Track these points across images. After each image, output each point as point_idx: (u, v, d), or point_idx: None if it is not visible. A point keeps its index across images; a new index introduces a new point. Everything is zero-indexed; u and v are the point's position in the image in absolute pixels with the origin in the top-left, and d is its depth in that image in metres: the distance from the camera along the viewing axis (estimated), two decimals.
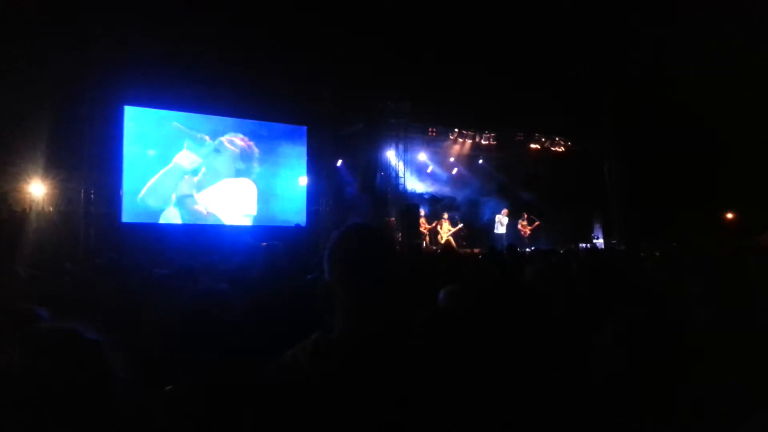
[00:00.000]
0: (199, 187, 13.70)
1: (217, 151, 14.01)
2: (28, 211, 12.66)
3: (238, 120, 14.41)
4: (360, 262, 1.39)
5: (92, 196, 12.91)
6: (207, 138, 13.89)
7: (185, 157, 13.51)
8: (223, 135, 14.19)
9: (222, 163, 14.11)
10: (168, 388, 1.75)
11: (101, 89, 12.39)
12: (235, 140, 14.33)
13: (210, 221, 13.74)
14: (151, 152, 13.16)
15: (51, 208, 13.35)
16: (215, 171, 13.98)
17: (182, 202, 13.45)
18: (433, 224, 16.06)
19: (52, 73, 11.42)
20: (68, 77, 11.75)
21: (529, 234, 16.62)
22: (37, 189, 13.06)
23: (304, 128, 15.46)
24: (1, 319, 2.09)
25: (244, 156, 14.47)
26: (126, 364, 1.44)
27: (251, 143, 14.55)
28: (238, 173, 14.34)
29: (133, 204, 12.95)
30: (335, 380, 1.29)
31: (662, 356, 1.65)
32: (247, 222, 14.34)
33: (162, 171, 13.23)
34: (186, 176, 13.51)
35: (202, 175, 13.77)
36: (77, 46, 11.52)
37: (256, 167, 14.61)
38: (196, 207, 13.64)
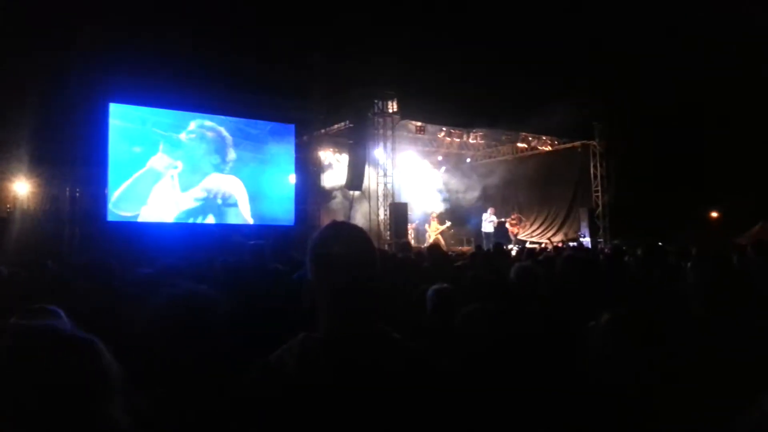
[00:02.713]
0: (184, 186, 13.47)
1: (187, 142, 13.70)
2: (12, 209, 12.55)
3: (224, 117, 14.24)
4: (342, 261, 1.37)
5: (77, 194, 12.79)
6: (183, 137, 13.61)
7: (160, 160, 13.14)
8: (187, 127, 13.76)
9: (198, 157, 13.84)
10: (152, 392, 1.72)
11: (86, 86, 12.23)
12: (204, 132, 13.93)
13: (198, 221, 13.62)
14: (137, 149, 13.01)
15: (35, 207, 13.22)
16: (193, 166, 13.71)
17: (162, 204, 13.20)
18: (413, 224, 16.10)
19: (36, 70, 11.30)
20: (52, 74, 11.64)
21: (517, 233, 16.70)
22: (21, 187, 12.93)
23: (292, 126, 15.39)
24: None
25: (218, 147, 14.11)
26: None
27: (221, 128, 14.14)
28: (216, 168, 14.05)
29: (120, 202, 12.79)
30: (323, 382, 1.28)
31: (650, 354, 1.66)
32: (238, 220, 14.22)
33: (136, 175, 12.86)
34: (162, 179, 13.17)
35: (181, 173, 13.48)
36: (61, 43, 11.40)
37: (232, 156, 14.24)
38: (181, 208, 13.47)
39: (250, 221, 14.25)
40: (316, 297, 1.40)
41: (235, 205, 14.24)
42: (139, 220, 12.93)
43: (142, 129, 13.13)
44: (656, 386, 1.62)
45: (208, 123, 13.96)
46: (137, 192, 12.89)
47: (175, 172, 13.36)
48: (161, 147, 13.24)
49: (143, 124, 13.18)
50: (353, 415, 1.25)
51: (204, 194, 13.76)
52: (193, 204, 13.59)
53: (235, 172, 14.29)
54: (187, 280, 3.36)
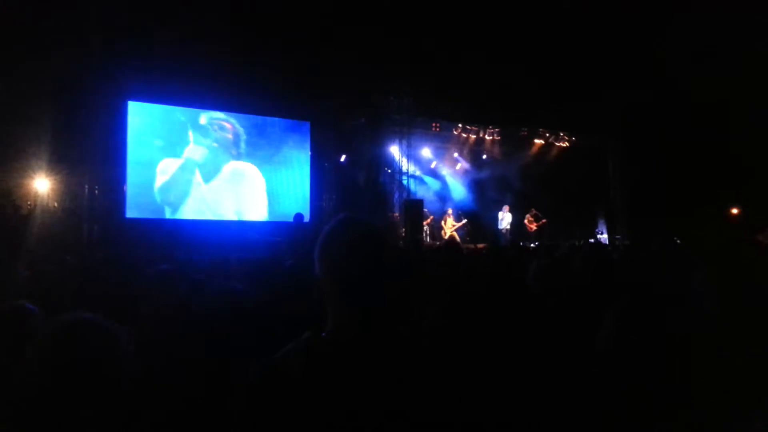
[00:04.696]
0: (206, 177, 13.76)
1: (206, 134, 13.98)
2: (32, 206, 12.71)
3: (241, 115, 14.34)
4: (350, 257, 1.32)
5: (96, 191, 12.93)
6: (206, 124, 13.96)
7: (195, 151, 13.62)
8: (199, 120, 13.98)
9: (219, 149, 14.11)
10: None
11: (104, 84, 12.38)
12: (222, 123, 14.18)
13: (219, 215, 13.82)
14: (157, 142, 13.18)
15: (55, 204, 13.38)
16: (214, 158, 14.00)
17: (195, 196, 13.60)
18: (429, 219, 16.07)
19: (56, 68, 11.42)
20: (71, 72, 11.76)
21: (535, 230, 16.57)
22: (41, 184, 13.10)
23: (308, 123, 15.43)
24: None
25: (235, 138, 14.33)
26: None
27: (233, 120, 14.32)
28: (234, 158, 14.32)
29: (139, 199, 12.94)
30: (327, 380, 1.24)
31: (662, 349, 1.63)
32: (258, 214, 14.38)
33: (176, 167, 13.32)
34: (197, 169, 13.63)
35: (203, 165, 13.80)
36: (80, 41, 11.51)
37: (244, 147, 14.42)
38: (207, 199, 13.74)
39: (265, 210, 14.39)
40: (324, 294, 1.36)
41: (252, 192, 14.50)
42: (182, 216, 13.34)
43: (161, 126, 13.27)
44: (662, 383, 1.59)
45: (220, 115, 14.14)
46: (179, 186, 13.33)
47: (197, 164, 13.69)
48: (191, 137, 13.62)
49: (162, 122, 13.32)
50: (359, 416, 1.22)
51: (225, 184, 14.00)
52: (215, 195, 13.83)
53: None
54: (203, 276, 3.39)
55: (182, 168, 13.41)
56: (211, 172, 13.81)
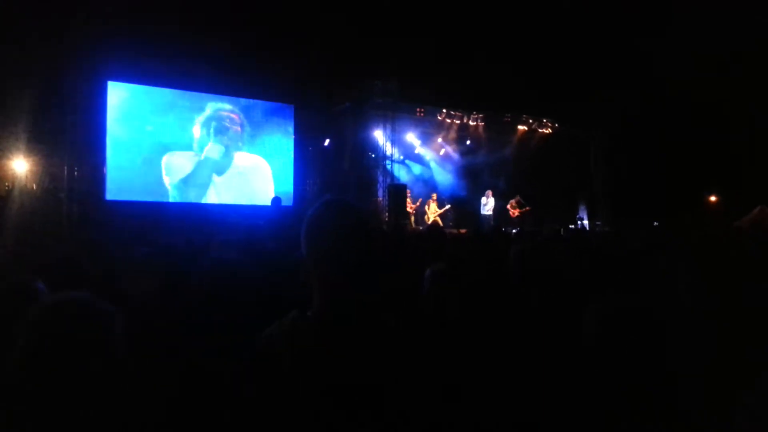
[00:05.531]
0: (219, 171, 14.05)
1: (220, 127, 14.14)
2: (10, 187, 12.52)
3: (224, 98, 14.21)
4: (335, 238, 1.33)
5: (75, 173, 12.74)
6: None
7: (214, 149, 13.89)
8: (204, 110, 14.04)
9: (231, 142, 14.32)
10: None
11: (84, 64, 12.14)
12: (231, 116, 14.31)
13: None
14: (149, 128, 13.09)
15: (34, 185, 13.19)
16: (226, 151, 14.24)
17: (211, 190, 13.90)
18: (417, 203, 16.05)
19: (35, 47, 11.19)
20: (50, 52, 11.52)
21: (517, 216, 16.66)
22: (19, 166, 12.90)
23: (292, 107, 15.31)
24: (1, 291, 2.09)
25: (243, 130, 14.54)
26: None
27: (236, 113, 14.45)
28: (240, 150, 14.53)
29: (120, 182, 12.78)
30: (309, 362, 1.25)
31: (645, 342, 1.65)
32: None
33: (194, 164, 13.60)
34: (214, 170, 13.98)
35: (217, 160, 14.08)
36: (59, 20, 11.27)
37: (246, 138, 14.58)
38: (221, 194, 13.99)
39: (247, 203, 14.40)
40: (309, 275, 1.36)
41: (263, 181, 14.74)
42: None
43: (140, 108, 13.08)
44: (647, 381, 1.61)
45: (225, 105, 14.24)
46: (198, 181, 13.63)
47: (215, 162, 14.01)
48: (211, 136, 13.88)
49: (140, 103, 13.13)
50: (339, 399, 1.23)
51: (237, 175, 14.25)
52: (228, 187, 14.06)
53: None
54: (184, 259, 3.37)
55: (201, 165, 13.68)
56: (224, 165, 14.09)
